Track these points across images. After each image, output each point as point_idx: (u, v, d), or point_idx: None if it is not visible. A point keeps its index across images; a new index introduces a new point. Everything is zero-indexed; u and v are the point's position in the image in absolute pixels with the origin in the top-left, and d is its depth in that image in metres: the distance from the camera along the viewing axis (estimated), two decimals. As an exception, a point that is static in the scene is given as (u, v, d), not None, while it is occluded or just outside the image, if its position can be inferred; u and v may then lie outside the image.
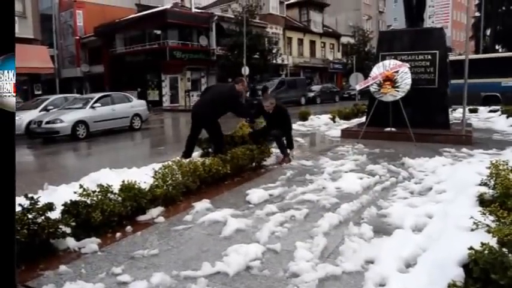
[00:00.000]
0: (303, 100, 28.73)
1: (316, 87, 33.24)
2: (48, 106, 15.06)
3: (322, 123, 12.30)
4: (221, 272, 2.89)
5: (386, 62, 8.72)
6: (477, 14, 34.84)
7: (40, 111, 14.73)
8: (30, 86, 21.24)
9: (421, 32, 9.52)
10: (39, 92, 21.00)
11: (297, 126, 11.68)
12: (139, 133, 14.98)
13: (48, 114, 13.87)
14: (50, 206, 3.31)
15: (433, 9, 47.05)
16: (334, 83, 41.84)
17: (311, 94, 30.53)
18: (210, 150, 7.10)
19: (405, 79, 8.35)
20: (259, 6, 32.50)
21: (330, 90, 33.39)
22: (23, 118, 14.08)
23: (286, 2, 40.26)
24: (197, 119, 6.59)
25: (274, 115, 6.97)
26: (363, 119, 13.16)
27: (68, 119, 13.04)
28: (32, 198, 3.35)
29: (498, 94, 10.74)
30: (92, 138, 13.20)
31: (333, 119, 12.73)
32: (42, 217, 3.22)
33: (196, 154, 7.17)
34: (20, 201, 3.42)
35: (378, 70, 8.70)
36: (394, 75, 8.44)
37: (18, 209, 3.18)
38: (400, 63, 8.59)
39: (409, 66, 8.52)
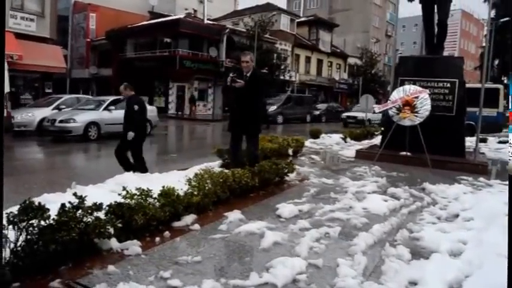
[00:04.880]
0: (308, 118, 28.89)
1: (322, 106, 33.37)
2: (60, 105, 15.15)
3: (334, 143, 12.37)
4: (269, 283, 2.93)
5: (407, 87, 8.85)
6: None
7: (52, 109, 14.83)
8: (41, 84, 21.32)
9: (441, 59, 9.66)
10: (50, 91, 21.07)
11: (309, 143, 11.76)
12: (148, 139, 14.99)
13: (61, 113, 13.95)
14: (99, 206, 3.35)
15: (441, 37, 47.61)
16: (338, 102, 42.07)
17: (317, 112, 30.65)
18: (227, 160, 7.11)
19: (425, 105, 8.47)
20: (271, 22, 32.86)
21: (335, 109, 33.44)
22: (35, 115, 14.24)
23: (297, 20, 40.79)
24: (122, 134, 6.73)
25: (248, 83, 5.96)
26: (373, 140, 13.29)
27: (81, 119, 13.15)
28: (80, 197, 3.39)
29: (473, 123, 10.96)
30: (103, 140, 13.20)
31: (344, 139, 12.81)
32: (91, 216, 3.25)
33: (216, 164, 7.23)
34: (69, 198, 3.45)
35: (398, 94, 8.82)
36: (414, 101, 8.56)
37: (68, 205, 3.22)
38: (421, 89, 8.71)
39: (429, 92, 8.64)
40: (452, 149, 8.89)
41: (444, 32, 9.59)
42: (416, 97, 8.55)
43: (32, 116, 14.15)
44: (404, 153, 9.00)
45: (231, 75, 5.96)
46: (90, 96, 19.16)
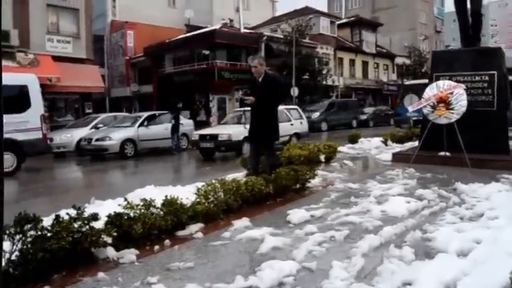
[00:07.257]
0: (354, 123, 28.16)
1: (368, 110, 32.39)
2: (98, 124, 15.50)
3: (373, 147, 11.92)
4: (253, 286, 2.88)
5: (440, 82, 8.39)
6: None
7: (90, 129, 15.22)
8: (81, 105, 22.10)
9: (477, 51, 9.08)
10: (90, 111, 21.70)
11: (346, 149, 11.46)
12: (185, 153, 15.13)
13: (98, 132, 14.28)
14: (94, 216, 3.44)
15: (496, 28, 44.79)
16: (389, 105, 40.49)
17: (363, 117, 29.77)
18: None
19: (460, 101, 7.97)
20: (309, 26, 32.28)
21: (384, 112, 32.20)
22: (74, 135, 14.67)
23: (337, 22, 40.01)
24: None
25: (260, 89, 5.68)
26: (417, 143, 12.65)
27: (116, 137, 13.39)
28: (79, 208, 3.51)
29: None
30: (140, 157, 13.47)
31: (385, 142, 12.30)
32: (87, 226, 3.35)
33: (241, 174, 7.15)
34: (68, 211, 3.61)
35: (431, 91, 8.38)
36: (449, 97, 8.09)
37: (65, 217, 3.35)
38: (455, 84, 8.24)
39: (464, 87, 8.14)
40: (494, 147, 8.27)
41: (479, 22, 9.03)
42: (451, 93, 8.07)
43: (70, 136, 14.58)
44: (443, 153, 8.48)
45: (240, 96, 5.97)
46: (127, 114, 19.61)
